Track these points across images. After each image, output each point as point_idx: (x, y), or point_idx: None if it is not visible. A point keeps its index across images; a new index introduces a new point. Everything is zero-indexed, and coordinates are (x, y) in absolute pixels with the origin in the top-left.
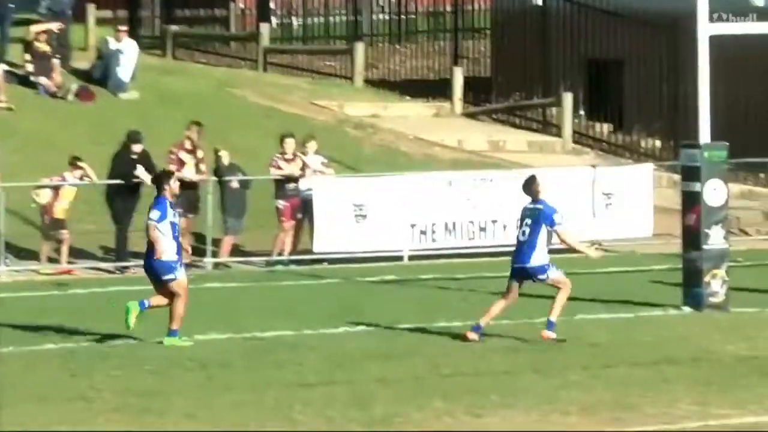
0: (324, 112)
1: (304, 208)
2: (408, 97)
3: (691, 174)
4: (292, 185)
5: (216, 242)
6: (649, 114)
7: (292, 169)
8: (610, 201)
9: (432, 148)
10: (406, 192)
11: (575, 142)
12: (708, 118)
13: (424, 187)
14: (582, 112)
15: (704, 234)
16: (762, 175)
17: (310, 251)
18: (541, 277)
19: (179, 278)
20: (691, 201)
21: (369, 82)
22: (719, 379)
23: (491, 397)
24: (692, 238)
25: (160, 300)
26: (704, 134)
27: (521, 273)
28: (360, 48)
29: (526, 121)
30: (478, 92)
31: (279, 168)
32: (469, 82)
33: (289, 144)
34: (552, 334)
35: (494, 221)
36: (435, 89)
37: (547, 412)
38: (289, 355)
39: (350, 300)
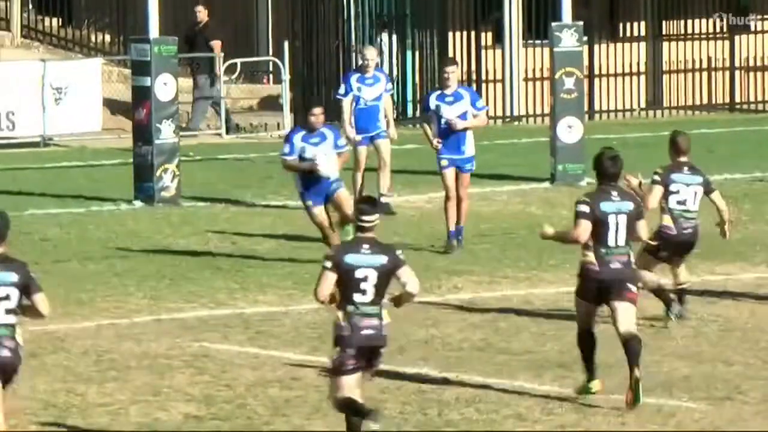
0: None
1: None
2: None
3: (140, 69)
4: None
5: None
6: (99, 8)
7: None
8: (60, 96)
9: None
10: None
11: (24, 36)
12: (157, 13)
13: None
14: (31, 6)
15: (155, 128)
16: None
17: None
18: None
19: None
20: (141, 96)
21: None
22: (171, 273)
23: None
24: (143, 132)
25: None
26: (153, 29)
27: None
28: None
29: None
30: None
31: None
32: None
33: None
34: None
35: None
36: None
37: None
38: None
39: None
